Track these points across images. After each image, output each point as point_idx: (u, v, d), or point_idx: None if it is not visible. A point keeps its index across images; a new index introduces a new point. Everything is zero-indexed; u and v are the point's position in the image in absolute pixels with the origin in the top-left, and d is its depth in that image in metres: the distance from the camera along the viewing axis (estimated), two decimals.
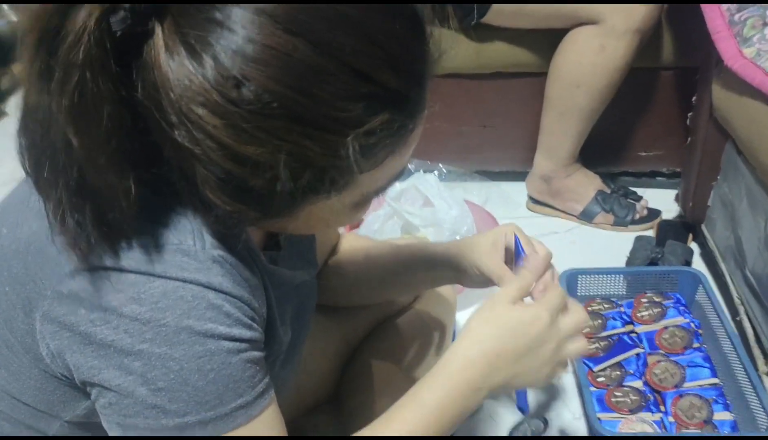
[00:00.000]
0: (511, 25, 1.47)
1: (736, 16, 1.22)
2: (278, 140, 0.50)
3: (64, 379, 0.59)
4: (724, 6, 1.23)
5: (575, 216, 1.61)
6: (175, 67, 0.48)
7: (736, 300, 1.27)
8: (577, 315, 0.70)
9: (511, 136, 1.65)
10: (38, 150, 0.52)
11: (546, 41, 1.47)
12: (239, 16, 0.48)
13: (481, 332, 0.66)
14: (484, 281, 0.82)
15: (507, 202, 1.68)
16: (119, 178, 0.51)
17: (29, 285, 0.57)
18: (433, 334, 1.05)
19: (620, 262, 1.47)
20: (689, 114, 1.48)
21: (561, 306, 0.68)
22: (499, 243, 0.82)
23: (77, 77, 0.47)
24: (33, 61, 0.48)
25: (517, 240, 0.78)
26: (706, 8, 1.25)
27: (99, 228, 0.53)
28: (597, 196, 1.59)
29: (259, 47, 0.48)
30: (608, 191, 1.61)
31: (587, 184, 1.60)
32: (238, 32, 0.47)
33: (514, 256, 0.79)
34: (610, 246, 1.53)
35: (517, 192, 1.70)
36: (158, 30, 0.48)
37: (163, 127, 0.50)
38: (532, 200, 1.67)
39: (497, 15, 1.44)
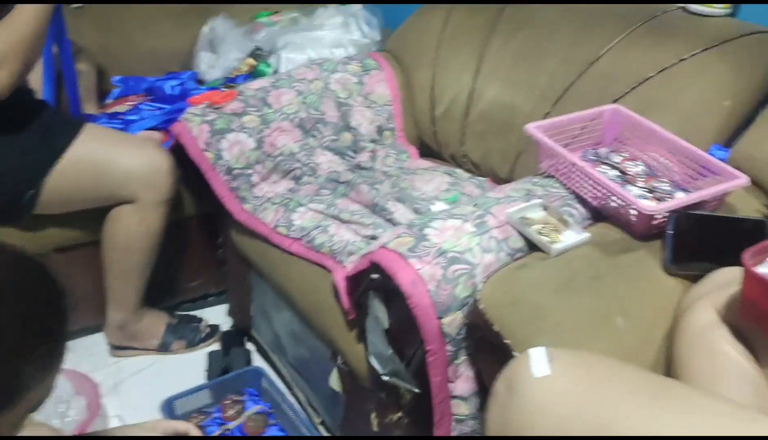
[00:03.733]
0: (62, 212, 1.72)
1: (233, 183, 1.71)
2: None
3: None
4: (222, 177, 1.72)
5: (155, 349, 1.93)
6: None
7: (287, 378, 1.76)
8: None
9: (81, 298, 1.88)
10: None
11: (93, 216, 1.75)
12: None
13: None
14: None
15: (93, 354, 1.90)
16: None
17: None
18: None
19: (202, 377, 1.84)
20: (219, 247, 1.94)
21: None
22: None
23: None
24: None
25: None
26: (210, 179, 1.71)
27: None
28: (167, 329, 1.94)
29: None
30: (175, 321, 1.97)
31: (157, 321, 1.94)
32: None
33: None
34: (191, 367, 1.88)
35: (99, 342, 1.93)
36: None
37: None
38: (114, 347, 1.92)
39: (48, 206, 1.67)
